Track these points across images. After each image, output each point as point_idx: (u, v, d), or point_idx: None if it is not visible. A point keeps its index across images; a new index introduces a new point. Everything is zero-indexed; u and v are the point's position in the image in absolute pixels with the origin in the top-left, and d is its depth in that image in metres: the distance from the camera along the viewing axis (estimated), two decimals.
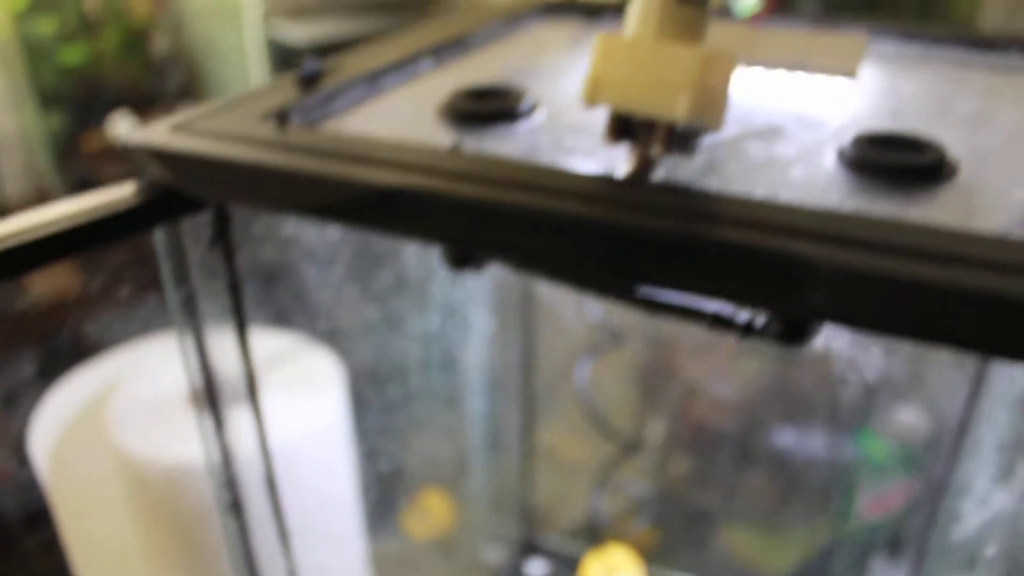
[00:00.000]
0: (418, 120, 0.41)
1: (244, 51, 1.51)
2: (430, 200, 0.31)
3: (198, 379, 0.48)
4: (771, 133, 0.38)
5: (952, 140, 0.38)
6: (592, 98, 0.32)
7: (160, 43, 1.57)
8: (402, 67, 0.48)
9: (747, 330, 0.32)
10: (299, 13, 1.48)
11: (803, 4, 0.89)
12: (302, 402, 0.73)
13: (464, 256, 0.35)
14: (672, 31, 0.31)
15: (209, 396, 0.49)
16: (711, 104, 0.31)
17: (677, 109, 0.30)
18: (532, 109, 0.41)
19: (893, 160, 0.33)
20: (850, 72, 0.43)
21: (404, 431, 0.74)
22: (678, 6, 0.31)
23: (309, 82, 0.44)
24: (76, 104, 1.52)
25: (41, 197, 1.44)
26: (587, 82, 0.32)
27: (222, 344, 0.47)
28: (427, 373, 0.76)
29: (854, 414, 0.79)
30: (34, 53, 1.42)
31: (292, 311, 0.76)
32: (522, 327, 0.83)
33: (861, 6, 0.89)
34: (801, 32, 0.50)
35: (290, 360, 0.76)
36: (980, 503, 0.70)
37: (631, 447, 0.80)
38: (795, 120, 0.40)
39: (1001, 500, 0.67)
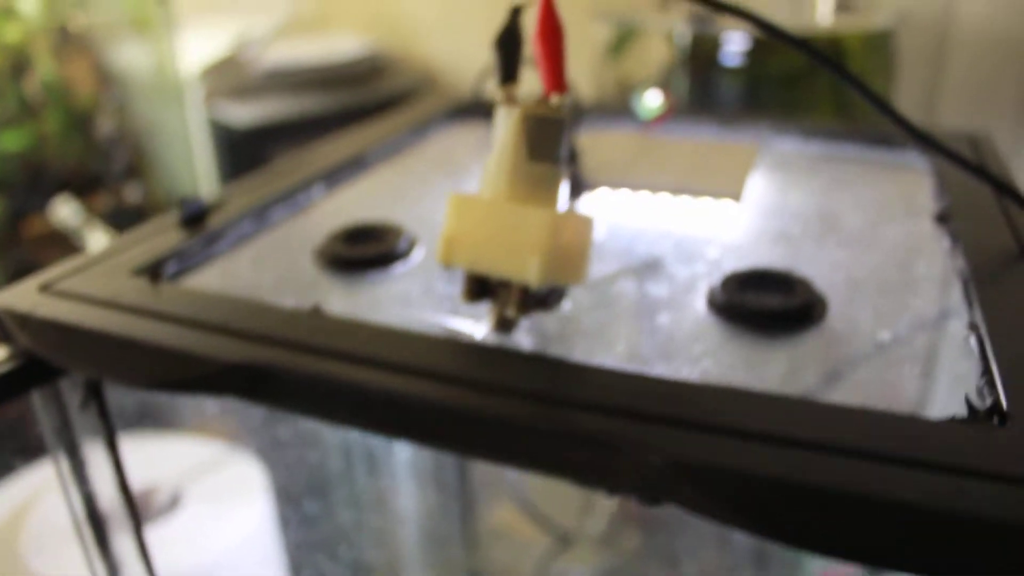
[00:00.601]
0: (295, 265, 0.41)
1: (188, 132, 1.51)
2: (283, 376, 0.30)
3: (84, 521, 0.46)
4: (646, 268, 0.38)
5: (831, 267, 0.38)
6: (446, 260, 0.31)
7: (104, 125, 1.56)
8: (293, 196, 0.48)
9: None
10: (241, 93, 1.48)
11: (723, 90, 0.91)
12: (225, 512, 0.71)
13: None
14: (524, 191, 0.31)
15: (96, 534, 0.47)
16: (567, 264, 0.31)
17: (529, 273, 0.30)
18: (410, 249, 0.40)
19: (760, 306, 0.33)
20: (735, 196, 0.44)
21: (333, 538, 0.72)
22: (530, 165, 0.31)
23: (191, 223, 0.44)
24: (18, 189, 1.50)
25: None
26: (441, 243, 0.31)
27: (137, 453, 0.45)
28: (354, 477, 0.74)
29: None
30: None
31: (216, 418, 0.75)
32: None
33: (778, 87, 0.90)
34: (695, 143, 0.50)
35: (213, 469, 0.74)
36: None
37: (569, 539, 0.79)
38: (675, 249, 0.40)
39: None
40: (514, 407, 0.27)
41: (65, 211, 1.49)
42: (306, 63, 1.48)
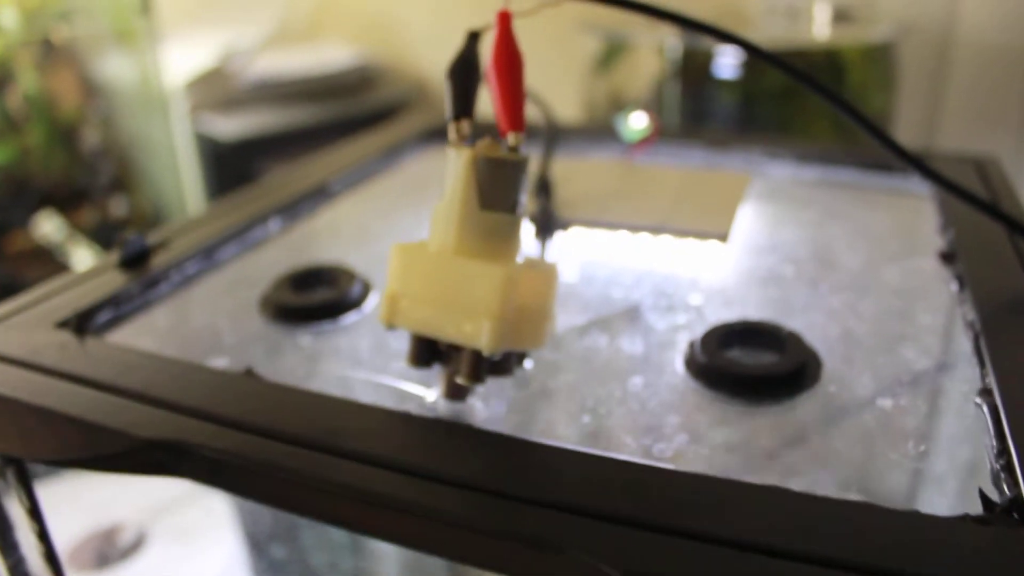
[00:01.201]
0: (239, 314, 0.37)
1: (173, 145, 1.48)
2: (203, 455, 0.27)
3: None
4: (621, 320, 0.34)
5: (826, 316, 0.34)
6: (388, 320, 0.28)
7: (89, 138, 1.53)
8: (245, 232, 0.44)
9: None
10: (227, 105, 1.45)
11: (717, 104, 0.87)
12: (192, 551, 0.67)
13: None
14: (475, 244, 0.27)
15: None
16: (525, 327, 0.27)
17: (480, 339, 0.26)
18: (363, 296, 0.37)
19: (743, 371, 0.29)
20: (722, 236, 0.40)
21: None
22: (482, 214, 0.27)
23: (132, 264, 0.40)
24: (1, 204, 1.47)
25: None
26: (382, 301, 0.28)
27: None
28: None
29: None
30: None
31: None
32: None
33: (773, 101, 0.87)
34: (681, 172, 0.47)
35: (180, 507, 0.70)
36: None
37: None
38: (654, 294, 0.37)
39: None
40: (453, 501, 0.23)
41: (48, 226, 1.46)
42: (295, 74, 1.45)
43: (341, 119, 1.40)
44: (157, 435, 0.27)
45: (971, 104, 0.99)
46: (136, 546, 0.69)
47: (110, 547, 0.69)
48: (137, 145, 1.55)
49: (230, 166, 1.42)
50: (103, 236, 1.45)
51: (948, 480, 0.25)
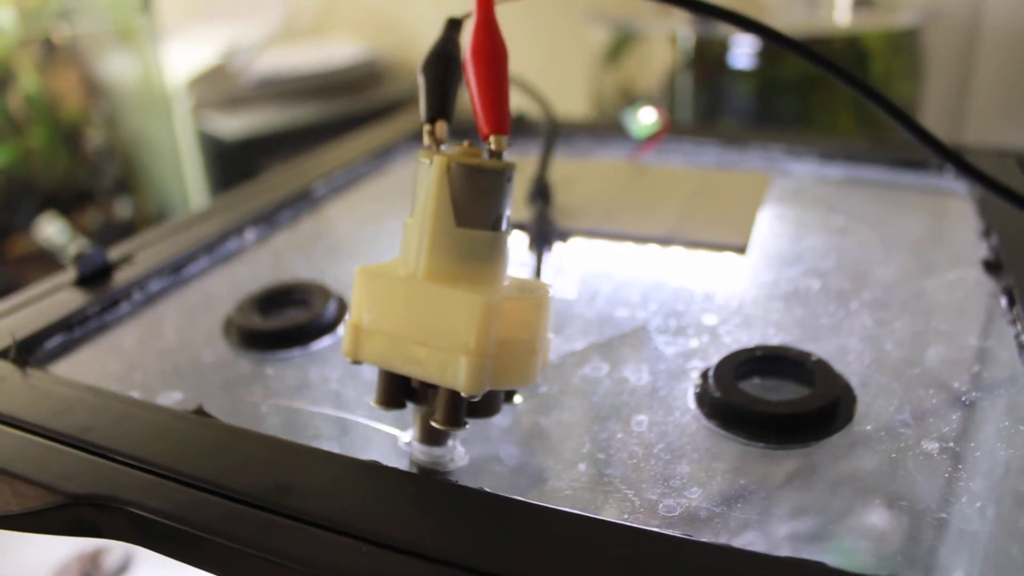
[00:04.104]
0: (201, 338, 0.33)
1: (176, 144, 1.45)
2: (134, 514, 0.23)
3: None
4: (625, 344, 0.31)
5: (859, 339, 0.30)
6: (352, 354, 0.24)
7: (93, 138, 1.51)
8: (217, 244, 0.40)
9: None
10: (231, 104, 1.42)
11: (732, 96, 0.83)
12: (181, 573, 0.64)
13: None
14: (450, 267, 0.23)
15: None
16: (510, 364, 0.23)
17: (457, 378, 0.22)
18: (338, 316, 0.33)
19: (764, 410, 0.25)
20: (739, 248, 0.36)
21: None
22: (458, 231, 0.23)
23: (90, 282, 0.37)
24: (2, 206, 1.45)
25: None
26: (346, 333, 0.24)
27: None
28: None
29: None
30: None
31: None
32: None
33: (793, 92, 0.82)
34: (693, 174, 0.43)
35: None
36: None
37: None
38: (662, 314, 0.33)
39: None
40: None
41: (50, 229, 1.44)
42: (300, 70, 1.41)
43: (347, 116, 1.37)
44: (84, 489, 0.23)
45: (1000, 93, 0.93)
46: (122, 569, 0.66)
47: (95, 569, 0.66)
48: (141, 145, 1.53)
49: (235, 165, 1.39)
50: (107, 238, 1.43)
51: (1008, 543, 0.21)
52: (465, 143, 0.24)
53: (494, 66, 0.24)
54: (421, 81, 0.26)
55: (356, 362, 0.24)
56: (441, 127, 0.25)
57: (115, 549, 0.67)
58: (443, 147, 0.24)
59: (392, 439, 0.27)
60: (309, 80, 1.42)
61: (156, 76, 1.42)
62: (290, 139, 1.35)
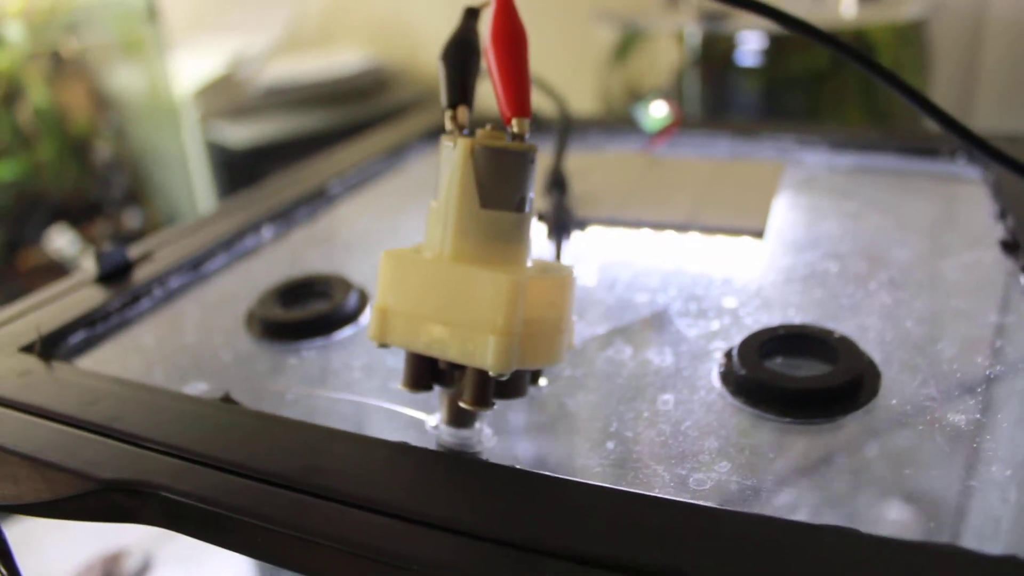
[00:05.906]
0: (224, 331, 0.34)
1: (184, 155, 1.46)
2: (169, 498, 0.23)
3: None
4: (647, 328, 0.31)
5: (879, 318, 0.30)
6: (378, 337, 0.24)
7: (102, 150, 1.52)
8: (236, 241, 0.41)
9: None
10: (237, 114, 1.43)
11: (740, 93, 0.83)
12: (200, 574, 0.64)
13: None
14: (476, 249, 0.23)
15: None
16: (537, 342, 0.23)
17: (485, 357, 0.22)
18: (360, 307, 0.33)
19: (789, 384, 0.25)
20: (757, 232, 0.36)
21: None
22: (483, 213, 0.24)
23: (111, 279, 0.37)
24: (12, 219, 1.46)
25: None
26: (372, 316, 0.24)
27: None
28: None
29: None
30: None
31: None
32: None
33: (800, 88, 0.82)
34: (707, 163, 0.43)
35: None
36: None
37: None
38: (682, 298, 0.33)
39: None
40: (455, 552, 0.19)
41: (61, 241, 1.45)
42: (306, 79, 1.42)
43: (354, 124, 1.37)
44: (116, 475, 0.24)
45: (1007, 83, 0.93)
46: (142, 572, 0.66)
47: (116, 572, 0.66)
48: (149, 156, 1.54)
49: (243, 174, 1.40)
50: None
51: None
52: (488, 126, 0.24)
53: (514, 50, 0.25)
54: (441, 69, 0.26)
55: (383, 345, 0.24)
56: (463, 112, 0.25)
57: (135, 553, 0.67)
58: (465, 132, 0.25)
59: (419, 423, 0.27)
60: (315, 88, 1.42)
61: (163, 87, 1.43)
62: (297, 147, 1.35)
